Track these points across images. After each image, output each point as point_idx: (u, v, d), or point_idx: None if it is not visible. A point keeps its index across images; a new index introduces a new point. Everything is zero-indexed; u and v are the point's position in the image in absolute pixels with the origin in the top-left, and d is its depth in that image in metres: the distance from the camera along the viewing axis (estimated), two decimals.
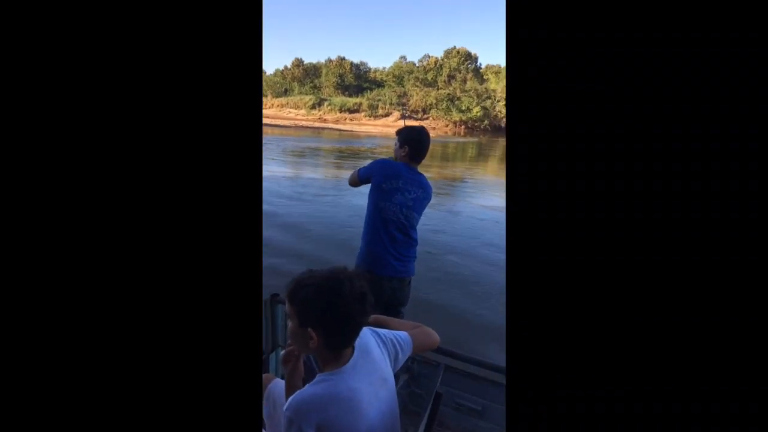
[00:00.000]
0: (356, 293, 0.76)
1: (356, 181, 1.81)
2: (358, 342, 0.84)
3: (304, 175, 9.65)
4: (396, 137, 1.78)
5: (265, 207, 6.11)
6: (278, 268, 3.62)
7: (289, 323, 0.81)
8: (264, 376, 1.16)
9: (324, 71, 46.83)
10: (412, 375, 1.78)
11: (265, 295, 1.56)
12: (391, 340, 0.92)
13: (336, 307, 0.75)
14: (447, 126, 34.11)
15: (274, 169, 9.68)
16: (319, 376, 0.81)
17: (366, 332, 0.90)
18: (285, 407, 0.76)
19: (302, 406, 0.77)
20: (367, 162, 1.81)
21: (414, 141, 1.72)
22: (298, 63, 49.56)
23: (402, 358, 0.94)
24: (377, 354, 0.87)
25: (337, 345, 0.80)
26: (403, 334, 0.95)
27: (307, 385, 0.81)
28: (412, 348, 0.95)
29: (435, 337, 1.01)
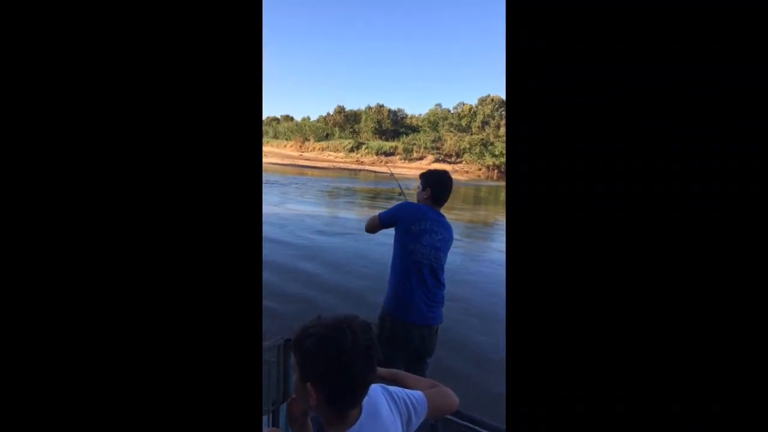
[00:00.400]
0: (360, 347, 0.66)
1: (376, 226, 1.78)
2: (366, 401, 0.74)
3: (338, 215, 9.97)
4: (419, 180, 1.81)
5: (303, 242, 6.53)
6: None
7: (294, 375, 0.72)
8: (271, 430, 1.13)
9: (363, 117, 49.11)
10: None
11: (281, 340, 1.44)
12: (404, 400, 0.81)
13: (337, 361, 0.66)
14: (480, 170, 34.47)
15: (303, 209, 10.00)
16: None
17: (377, 390, 0.80)
18: None
19: None
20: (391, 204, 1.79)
21: (437, 183, 1.76)
22: (340, 110, 52.28)
23: (416, 422, 0.82)
24: (387, 416, 0.77)
25: (339, 404, 0.70)
26: (419, 394, 0.84)
27: None
28: (427, 410, 0.84)
29: (454, 399, 0.88)
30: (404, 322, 1.64)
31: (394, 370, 0.95)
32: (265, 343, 1.34)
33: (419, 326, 1.65)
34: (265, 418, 1.40)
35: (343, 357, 0.65)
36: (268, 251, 5.54)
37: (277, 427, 1.39)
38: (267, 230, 6.97)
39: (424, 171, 1.84)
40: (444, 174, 1.81)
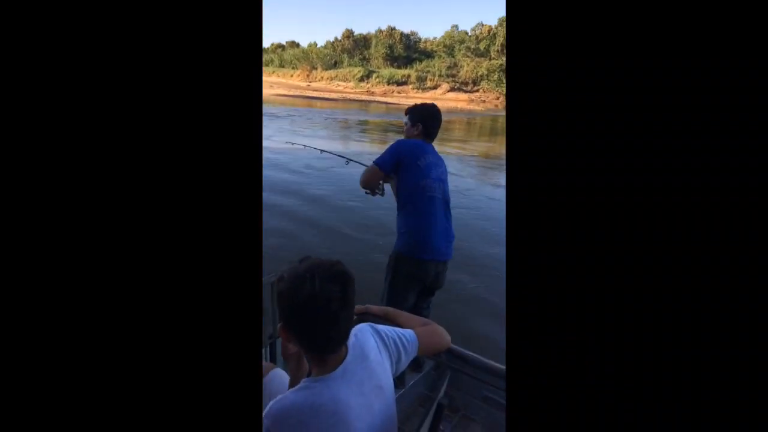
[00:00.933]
0: (325, 296, 0.65)
1: (376, 175, 1.67)
2: (353, 342, 0.75)
3: (349, 148, 9.58)
4: (406, 116, 1.76)
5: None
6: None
7: None
8: (264, 364, 1.09)
9: (374, 42, 46.00)
10: (425, 373, 1.64)
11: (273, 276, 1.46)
12: (395, 340, 0.82)
13: (299, 309, 0.66)
14: (498, 99, 32.48)
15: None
16: (303, 381, 0.73)
17: (365, 331, 0.80)
18: (264, 413, 0.68)
19: (280, 415, 0.69)
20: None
21: (428, 117, 1.72)
22: (349, 34, 48.99)
23: (405, 361, 0.83)
24: (375, 357, 0.77)
25: (313, 348, 0.71)
26: (409, 332, 0.85)
27: (290, 390, 0.73)
28: (417, 349, 0.84)
29: (446, 337, 0.89)
30: (422, 261, 1.60)
31: (387, 308, 0.95)
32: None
33: (436, 263, 1.62)
34: (263, 351, 1.40)
35: (304, 306, 0.66)
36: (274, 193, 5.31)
37: (275, 362, 1.36)
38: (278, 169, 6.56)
39: (411, 106, 1.79)
40: (433, 107, 1.77)
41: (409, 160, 1.62)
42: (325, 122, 14.69)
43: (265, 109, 18.39)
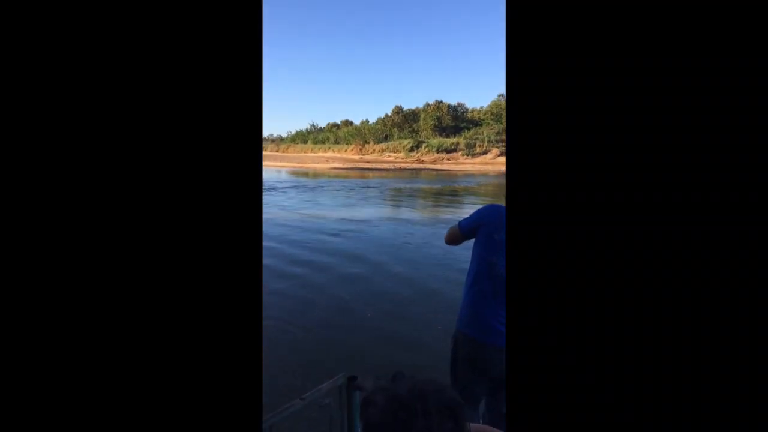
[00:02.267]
0: (432, 425, 0.54)
1: (457, 237, 1.55)
2: None
3: (400, 216, 9.75)
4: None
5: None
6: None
7: None
8: None
9: (422, 115, 48.61)
10: None
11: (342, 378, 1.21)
12: None
13: None
14: None
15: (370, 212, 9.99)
16: None
17: None
18: None
19: None
20: (466, 209, 1.63)
21: None
22: (398, 110, 52.36)
23: None
24: None
25: None
26: None
27: None
28: None
29: None
30: (487, 346, 1.38)
31: (484, 427, 0.85)
32: (323, 385, 1.12)
33: (500, 348, 1.37)
34: None
35: None
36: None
37: None
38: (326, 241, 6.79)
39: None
40: None
41: (487, 229, 1.43)
42: (375, 192, 15.25)
43: (322, 181, 19.60)
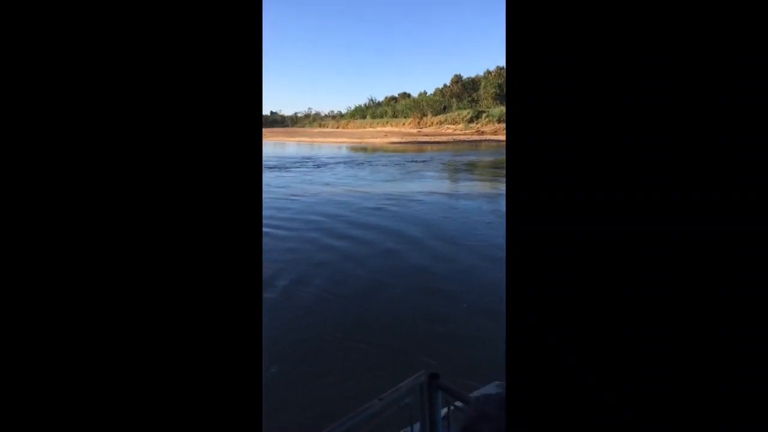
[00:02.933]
0: None
1: None
2: None
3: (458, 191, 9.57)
4: None
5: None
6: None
7: None
8: None
9: (482, 84, 46.42)
10: None
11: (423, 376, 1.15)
12: None
13: None
14: None
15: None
16: None
17: None
18: None
19: None
20: None
21: None
22: (457, 79, 50.45)
23: None
24: None
25: None
26: None
27: None
28: None
29: None
30: None
31: None
32: (402, 383, 1.08)
33: None
34: None
35: None
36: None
37: None
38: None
39: None
40: None
41: None
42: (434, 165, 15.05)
43: (379, 156, 19.73)
